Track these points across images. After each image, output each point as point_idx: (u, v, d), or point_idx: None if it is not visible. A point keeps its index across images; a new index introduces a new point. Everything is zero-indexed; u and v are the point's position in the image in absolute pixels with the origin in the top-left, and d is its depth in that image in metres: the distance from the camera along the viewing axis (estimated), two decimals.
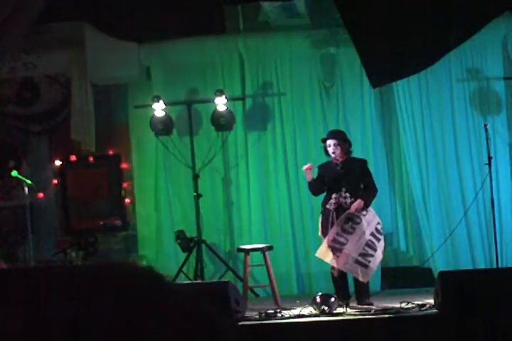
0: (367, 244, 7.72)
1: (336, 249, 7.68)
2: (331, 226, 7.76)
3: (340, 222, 7.72)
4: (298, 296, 9.03)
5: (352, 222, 7.73)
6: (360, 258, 7.67)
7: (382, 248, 7.90)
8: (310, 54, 10.15)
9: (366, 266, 7.68)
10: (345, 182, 7.85)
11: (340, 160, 7.92)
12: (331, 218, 7.80)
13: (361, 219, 7.75)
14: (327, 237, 7.73)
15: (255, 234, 9.99)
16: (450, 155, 9.88)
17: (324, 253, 7.76)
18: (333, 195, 7.84)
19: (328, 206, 7.85)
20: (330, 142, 7.94)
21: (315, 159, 8.72)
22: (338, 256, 7.68)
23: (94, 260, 10.19)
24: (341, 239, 7.68)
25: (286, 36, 10.15)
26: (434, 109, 9.93)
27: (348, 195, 7.82)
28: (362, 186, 7.97)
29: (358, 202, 7.75)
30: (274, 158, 10.17)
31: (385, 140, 10.17)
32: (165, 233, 10.21)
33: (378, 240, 7.82)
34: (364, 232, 7.72)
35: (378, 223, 7.90)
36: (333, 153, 7.91)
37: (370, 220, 7.83)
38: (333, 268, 7.91)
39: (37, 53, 10.49)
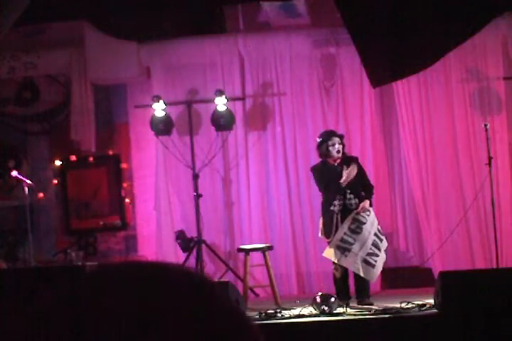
0: (373, 244, 7.74)
1: (344, 248, 7.68)
2: (336, 228, 7.75)
3: (348, 221, 7.72)
4: (298, 296, 9.03)
5: (358, 222, 7.75)
6: (367, 258, 7.68)
7: (385, 247, 7.92)
8: (310, 54, 10.14)
9: (373, 266, 7.70)
10: (349, 183, 7.83)
11: (339, 160, 7.90)
12: (335, 220, 7.78)
13: (366, 220, 7.76)
14: (335, 237, 7.71)
15: (255, 234, 9.99)
16: (450, 155, 9.87)
17: (332, 254, 7.75)
18: (338, 197, 7.80)
19: (332, 208, 7.81)
20: (336, 140, 7.90)
21: (315, 159, 8.71)
22: (346, 256, 7.68)
23: (94, 260, 10.20)
24: (350, 239, 7.69)
25: (286, 36, 10.14)
26: (434, 109, 9.92)
27: (352, 195, 7.81)
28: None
29: (366, 202, 7.77)
30: (274, 158, 10.17)
31: (385, 140, 10.17)
32: (165, 233, 10.21)
33: (381, 240, 7.84)
34: (370, 232, 7.74)
35: (378, 223, 7.93)
36: (338, 151, 7.86)
37: (373, 220, 7.84)
38: (335, 269, 7.91)
39: (37, 53, 10.49)
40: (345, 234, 7.70)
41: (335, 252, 7.72)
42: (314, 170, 8.10)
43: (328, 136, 8.00)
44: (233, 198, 10.24)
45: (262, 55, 10.25)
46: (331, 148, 7.86)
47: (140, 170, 10.78)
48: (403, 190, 10.10)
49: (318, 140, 8.03)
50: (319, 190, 8.11)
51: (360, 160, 8.35)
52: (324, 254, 7.89)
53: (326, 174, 7.93)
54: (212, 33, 10.30)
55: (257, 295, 9.41)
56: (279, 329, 6.88)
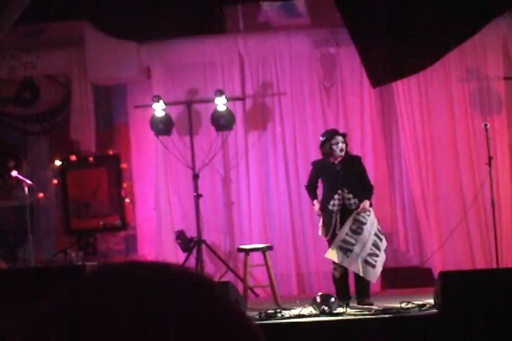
0: (373, 244, 7.74)
1: (346, 249, 7.68)
2: (335, 227, 7.75)
3: (349, 222, 7.72)
4: (298, 296, 9.03)
5: (359, 222, 7.74)
6: (368, 258, 7.68)
7: (384, 247, 7.92)
8: (310, 54, 10.15)
9: (374, 266, 7.70)
10: (346, 182, 7.83)
11: (340, 159, 7.91)
12: (334, 219, 7.78)
13: (367, 220, 7.76)
14: (337, 237, 7.71)
15: (255, 234, 9.99)
16: (450, 155, 9.88)
17: (334, 255, 7.74)
18: (336, 196, 7.80)
19: (330, 207, 7.81)
20: (339, 139, 7.90)
21: (315, 159, 8.71)
22: (348, 257, 7.68)
23: (94, 260, 10.20)
24: (351, 240, 7.69)
25: (286, 36, 10.14)
26: (434, 108, 9.92)
27: (351, 195, 7.81)
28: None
29: (366, 203, 7.77)
30: (274, 157, 10.17)
31: (385, 139, 10.17)
32: (165, 233, 10.21)
33: (381, 240, 7.84)
34: (370, 232, 7.74)
35: (378, 223, 7.93)
36: (341, 150, 7.87)
37: (373, 221, 7.84)
38: (335, 269, 7.91)
39: (37, 53, 10.49)
40: (346, 234, 7.70)
41: (337, 253, 7.71)
42: (314, 165, 8.14)
43: (331, 134, 8.00)
44: (233, 198, 10.24)
45: (262, 55, 10.25)
46: (334, 147, 7.87)
47: (140, 170, 10.77)
48: (403, 190, 10.10)
49: (322, 139, 8.03)
50: (306, 183, 8.15)
51: None
52: (326, 255, 7.87)
53: (323, 171, 7.94)
54: (212, 33, 10.30)
55: (257, 295, 9.41)
56: (279, 329, 6.88)
